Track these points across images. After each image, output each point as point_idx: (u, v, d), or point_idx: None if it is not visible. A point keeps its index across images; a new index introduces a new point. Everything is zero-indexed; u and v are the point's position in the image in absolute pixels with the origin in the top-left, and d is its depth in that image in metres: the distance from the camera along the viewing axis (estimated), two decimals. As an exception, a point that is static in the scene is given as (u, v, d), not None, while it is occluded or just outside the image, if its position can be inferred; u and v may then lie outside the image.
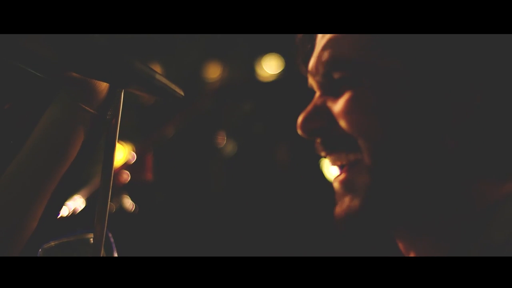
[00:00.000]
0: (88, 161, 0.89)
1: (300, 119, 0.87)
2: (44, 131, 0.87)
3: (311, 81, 0.90)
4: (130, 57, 0.80)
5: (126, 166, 2.75)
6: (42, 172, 0.86)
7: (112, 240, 0.89)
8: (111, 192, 0.84)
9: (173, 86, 0.86)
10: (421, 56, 0.80)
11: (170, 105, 3.42)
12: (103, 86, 0.87)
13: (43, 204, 0.86)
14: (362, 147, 0.82)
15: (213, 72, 4.34)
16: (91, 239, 0.86)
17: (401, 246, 0.87)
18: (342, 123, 0.83)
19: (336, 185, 0.87)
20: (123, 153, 2.77)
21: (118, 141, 0.82)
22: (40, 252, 0.87)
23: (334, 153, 0.86)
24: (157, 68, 4.16)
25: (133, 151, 2.81)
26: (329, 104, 0.85)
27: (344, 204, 0.84)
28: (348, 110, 0.82)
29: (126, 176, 2.73)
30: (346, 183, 0.85)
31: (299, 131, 0.87)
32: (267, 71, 4.29)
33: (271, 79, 4.25)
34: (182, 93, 0.87)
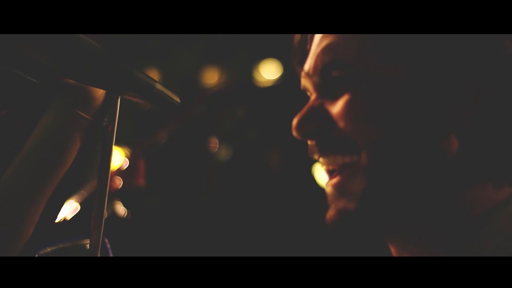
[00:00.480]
0: (84, 167, 0.89)
1: (295, 120, 0.86)
2: (40, 137, 0.87)
3: (306, 83, 0.89)
4: (126, 63, 0.81)
5: (118, 171, 2.75)
6: (39, 178, 0.87)
7: (108, 246, 0.89)
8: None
9: (169, 93, 0.86)
10: (419, 59, 0.81)
11: (163, 110, 3.42)
12: (100, 92, 0.87)
13: (39, 210, 0.86)
14: (361, 149, 0.81)
15: (211, 77, 4.34)
16: (87, 245, 0.86)
17: (393, 250, 0.88)
18: (342, 125, 0.82)
19: (329, 189, 0.86)
20: (121, 158, 2.76)
21: (118, 147, 0.83)
22: (36, 258, 0.87)
23: (329, 155, 0.86)
24: (154, 73, 4.16)
25: (126, 156, 2.81)
26: (327, 106, 0.84)
27: (338, 207, 0.84)
28: (348, 112, 0.81)
29: (119, 181, 2.73)
30: (340, 187, 0.84)
31: (294, 133, 0.86)
32: (265, 76, 4.29)
33: (269, 84, 4.25)
34: (179, 100, 0.88)
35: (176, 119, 3.51)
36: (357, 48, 0.82)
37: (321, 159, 0.88)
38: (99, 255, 0.82)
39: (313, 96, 0.88)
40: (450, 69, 0.80)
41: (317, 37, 0.88)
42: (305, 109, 0.86)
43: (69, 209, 2.28)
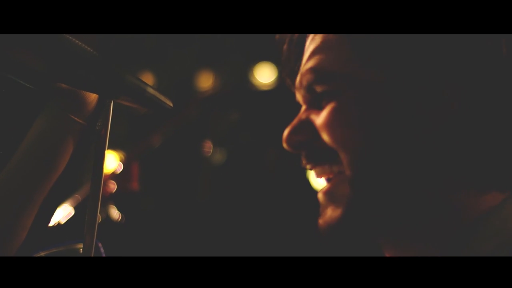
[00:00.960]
0: (78, 171, 0.89)
1: (285, 133, 0.89)
2: (33, 141, 0.87)
3: (298, 96, 0.92)
4: (119, 68, 0.81)
5: (112, 175, 2.75)
6: (32, 182, 0.87)
7: (102, 250, 0.89)
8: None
9: (162, 97, 0.86)
10: (397, 65, 0.81)
11: (157, 114, 3.42)
12: (93, 97, 0.87)
13: (32, 214, 0.86)
14: (342, 159, 0.83)
15: (205, 81, 4.34)
16: (81, 249, 0.86)
17: (386, 254, 0.88)
18: (324, 136, 0.84)
19: (319, 196, 0.88)
20: (115, 162, 2.76)
21: (112, 151, 0.83)
22: (29, 263, 0.87)
23: (318, 166, 0.88)
24: (149, 76, 4.16)
25: (120, 160, 2.81)
26: (312, 117, 0.87)
27: (326, 214, 0.85)
28: (328, 122, 0.83)
29: (113, 185, 2.72)
30: (328, 194, 0.86)
31: (284, 145, 0.89)
32: (259, 80, 4.30)
33: (263, 88, 4.26)
34: (171, 104, 0.88)
35: (170, 123, 3.51)
36: (338, 59, 0.84)
37: (312, 169, 0.90)
38: (92, 259, 0.82)
39: (302, 108, 0.90)
40: (429, 70, 0.80)
41: (305, 56, 0.89)
42: (294, 121, 0.89)
43: (63, 213, 2.28)
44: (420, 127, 0.80)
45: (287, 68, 0.95)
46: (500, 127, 0.77)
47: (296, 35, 0.91)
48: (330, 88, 0.84)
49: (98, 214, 0.85)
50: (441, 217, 0.80)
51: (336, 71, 0.84)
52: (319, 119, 0.85)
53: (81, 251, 0.86)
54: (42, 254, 0.87)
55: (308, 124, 0.87)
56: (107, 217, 2.62)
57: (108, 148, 0.87)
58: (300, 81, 0.88)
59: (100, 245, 0.90)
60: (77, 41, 0.78)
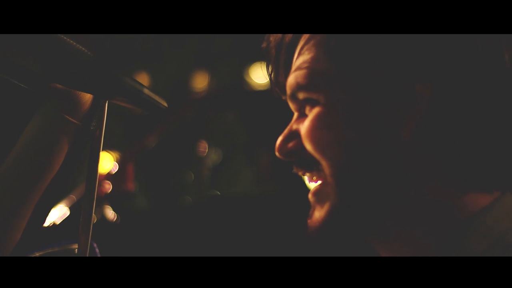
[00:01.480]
0: (72, 172, 0.89)
1: (277, 142, 0.91)
2: (28, 142, 0.87)
3: (289, 104, 0.93)
4: (113, 68, 0.81)
5: (108, 176, 2.75)
6: (26, 183, 0.86)
7: (97, 250, 0.89)
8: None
9: (157, 98, 0.86)
10: (370, 69, 0.81)
11: (152, 114, 3.41)
12: (87, 97, 0.87)
13: (27, 215, 0.86)
14: (323, 167, 0.84)
15: (200, 81, 4.34)
16: (76, 249, 0.86)
17: (380, 252, 0.88)
18: (305, 145, 0.86)
19: (309, 196, 0.90)
20: (110, 163, 2.76)
21: (107, 151, 0.83)
22: (24, 263, 0.87)
23: (307, 172, 0.90)
24: (144, 77, 4.16)
25: (115, 160, 2.80)
26: (300, 125, 0.88)
27: (313, 215, 0.87)
28: (308, 131, 0.85)
29: (108, 186, 2.72)
30: (316, 195, 0.88)
31: (277, 154, 0.91)
32: (255, 80, 4.30)
33: (259, 88, 4.26)
34: (166, 105, 0.88)
35: (166, 123, 3.50)
36: (315, 69, 0.85)
37: (304, 175, 0.92)
38: (87, 260, 0.82)
39: (294, 116, 0.92)
40: (402, 73, 0.80)
41: (293, 66, 0.91)
42: (285, 130, 0.91)
43: (59, 213, 2.28)
44: (392, 128, 0.80)
45: (275, 78, 0.97)
46: (484, 128, 0.77)
47: (285, 45, 0.92)
48: (310, 96, 0.86)
49: (93, 214, 0.85)
50: (430, 217, 0.80)
51: (314, 80, 0.85)
52: (302, 128, 0.86)
53: (76, 252, 0.86)
54: (37, 254, 0.87)
55: (297, 132, 0.89)
56: (103, 218, 2.62)
57: (103, 149, 0.87)
58: (286, 90, 0.90)
59: (95, 245, 0.89)
60: (71, 41, 0.78)
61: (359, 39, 0.81)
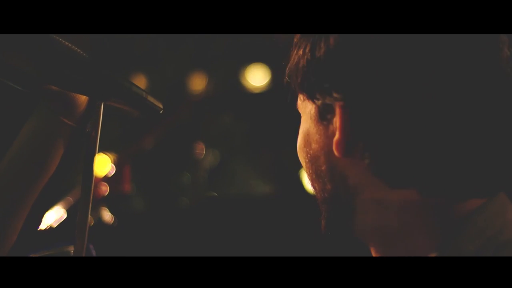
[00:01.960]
0: (68, 173, 0.89)
1: None
2: (23, 144, 0.87)
3: None
4: (109, 70, 0.81)
5: (104, 178, 2.74)
6: (21, 185, 0.86)
7: (94, 252, 0.89)
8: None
9: (153, 100, 0.86)
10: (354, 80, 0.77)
11: (149, 116, 3.42)
12: (83, 99, 0.87)
13: (23, 216, 0.86)
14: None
15: (197, 83, 4.34)
16: (72, 251, 0.86)
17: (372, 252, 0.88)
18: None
19: None
20: (107, 165, 2.76)
21: (103, 153, 0.83)
22: (19, 266, 0.87)
23: None
24: (141, 78, 4.16)
25: (112, 163, 2.80)
26: None
27: (322, 213, 0.87)
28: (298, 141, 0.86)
29: (105, 188, 2.72)
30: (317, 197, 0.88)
31: None
32: (252, 82, 4.30)
33: (256, 90, 4.27)
34: (162, 107, 0.88)
35: (163, 125, 3.50)
36: (301, 79, 0.83)
37: None
38: (83, 262, 0.82)
39: None
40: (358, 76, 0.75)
41: None
42: None
43: (55, 215, 2.27)
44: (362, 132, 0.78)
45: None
46: (472, 132, 0.75)
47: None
48: (300, 106, 0.86)
49: (90, 216, 0.85)
50: (421, 219, 0.79)
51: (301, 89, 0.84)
52: None
53: (72, 254, 0.86)
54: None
55: None
56: (99, 220, 2.62)
57: (100, 151, 0.87)
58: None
59: (92, 247, 0.89)
60: (66, 43, 0.78)
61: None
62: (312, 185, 0.86)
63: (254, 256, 0.91)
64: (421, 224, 0.78)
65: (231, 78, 4.37)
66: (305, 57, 0.79)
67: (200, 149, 4.08)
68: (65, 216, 2.28)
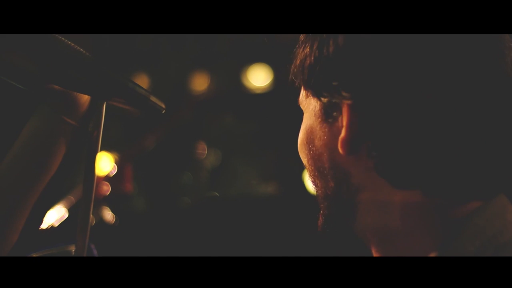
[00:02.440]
0: (70, 173, 0.89)
1: None
2: (25, 143, 0.87)
3: None
4: (112, 69, 0.81)
5: (106, 177, 2.74)
6: (24, 184, 0.86)
7: (95, 252, 0.89)
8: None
9: (155, 99, 0.86)
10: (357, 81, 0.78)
11: (151, 116, 3.43)
12: (85, 98, 0.87)
13: (24, 216, 0.86)
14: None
15: (200, 83, 4.35)
16: (73, 251, 0.86)
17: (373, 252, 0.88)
18: None
19: None
20: (109, 164, 2.76)
21: (106, 153, 0.83)
22: (21, 265, 0.87)
23: None
24: (144, 78, 4.17)
25: (114, 162, 2.80)
26: None
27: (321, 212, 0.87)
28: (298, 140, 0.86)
29: (106, 188, 2.72)
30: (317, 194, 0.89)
31: None
32: (254, 83, 4.31)
33: (258, 90, 4.27)
34: (164, 106, 0.88)
35: (164, 125, 3.51)
36: (300, 71, 0.83)
37: None
38: (84, 262, 0.82)
39: None
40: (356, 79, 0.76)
41: None
42: None
43: (57, 215, 2.27)
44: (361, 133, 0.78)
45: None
46: (476, 133, 0.75)
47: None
48: (303, 102, 0.86)
49: (91, 216, 0.85)
50: (423, 220, 0.79)
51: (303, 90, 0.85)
52: None
53: (73, 253, 0.86)
54: (34, 256, 0.87)
55: None
56: (101, 219, 2.62)
57: (102, 150, 0.87)
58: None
59: (93, 246, 0.89)
60: (69, 42, 0.78)
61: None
62: (314, 181, 0.86)
63: (256, 256, 0.91)
64: (422, 224, 0.78)
65: (233, 78, 4.38)
66: (313, 54, 0.79)
67: (202, 149, 4.08)
68: (66, 215, 2.28)
